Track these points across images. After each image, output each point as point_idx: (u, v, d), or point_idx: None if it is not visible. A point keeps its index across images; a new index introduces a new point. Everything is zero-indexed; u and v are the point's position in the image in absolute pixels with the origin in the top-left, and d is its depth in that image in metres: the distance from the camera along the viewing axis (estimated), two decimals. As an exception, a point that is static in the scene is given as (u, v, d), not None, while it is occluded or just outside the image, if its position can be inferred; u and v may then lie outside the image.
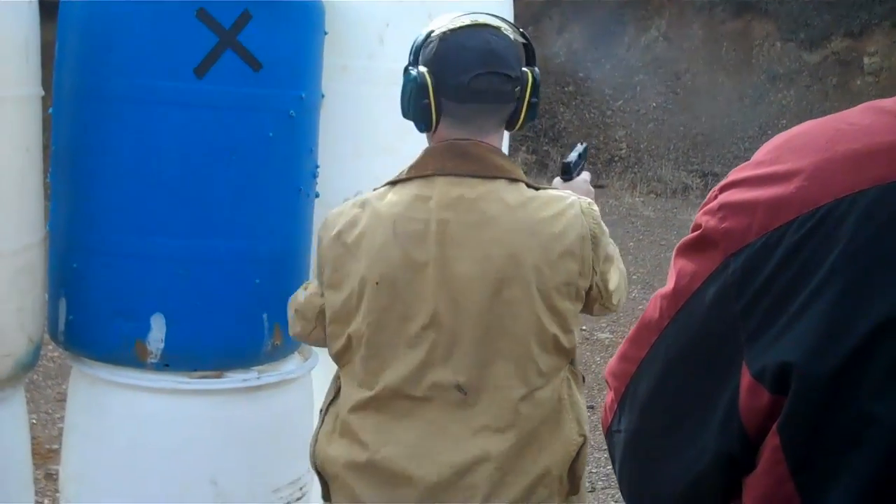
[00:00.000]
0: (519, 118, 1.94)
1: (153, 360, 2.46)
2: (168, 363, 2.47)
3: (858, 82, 11.07)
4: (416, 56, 1.91)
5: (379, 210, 1.89)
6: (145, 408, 2.49)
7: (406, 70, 1.92)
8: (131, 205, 2.42)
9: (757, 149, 0.97)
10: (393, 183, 1.93)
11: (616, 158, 11.85)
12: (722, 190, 0.92)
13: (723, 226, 0.89)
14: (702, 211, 0.93)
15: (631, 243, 8.87)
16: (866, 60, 11.08)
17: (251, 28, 2.36)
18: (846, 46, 11.20)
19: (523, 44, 1.94)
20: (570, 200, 1.92)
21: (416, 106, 1.88)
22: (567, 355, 1.92)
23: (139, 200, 2.42)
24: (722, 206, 0.90)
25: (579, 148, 2.37)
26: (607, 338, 6.32)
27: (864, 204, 0.81)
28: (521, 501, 1.87)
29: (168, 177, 2.41)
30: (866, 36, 11.15)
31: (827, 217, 0.82)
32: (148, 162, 2.41)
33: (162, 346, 2.45)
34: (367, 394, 1.89)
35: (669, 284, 0.94)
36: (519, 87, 1.90)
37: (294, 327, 2.09)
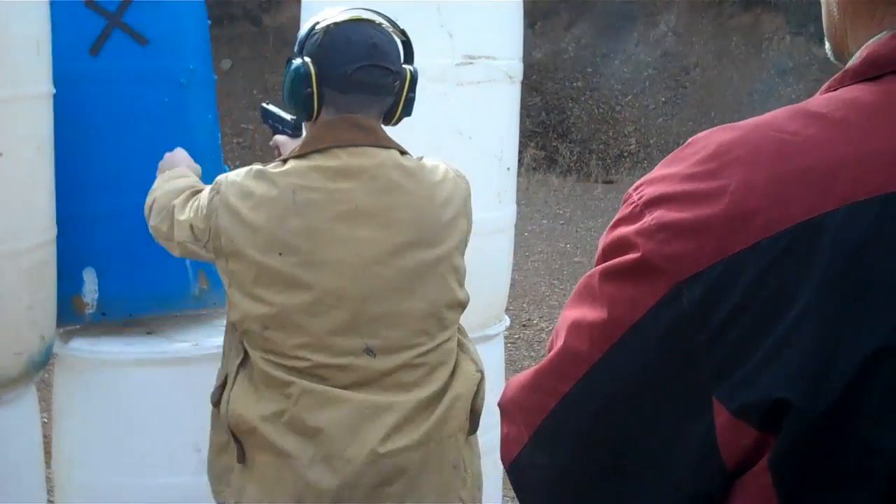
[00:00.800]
0: (396, 112, 2.03)
1: (90, 311, 2.73)
2: (104, 312, 2.74)
3: (869, 76, 11.02)
4: (300, 47, 1.99)
5: (276, 181, 1.92)
6: (126, 380, 2.55)
7: (289, 60, 2.00)
8: (58, 172, 2.61)
9: None
10: (285, 160, 1.98)
11: (625, 153, 11.83)
12: (648, 205, 0.82)
13: (667, 250, 0.80)
14: (631, 229, 0.83)
15: (641, 239, 8.86)
16: (876, 54, 11.04)
17: (133, 10, 2.72)
18: (856, 40, 11.16)
19: (403, 41, 2.04)
20: (443, 166, 2.04)
21: (300, 95, 1.96)
22: (463, 307, 2.05)
23: (63, 167, 2.62)
24: (661, 227, 0.81)
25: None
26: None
27: (834, 227, 0.76)
28: (434, 431, 1.97)
29: (84, 144, 2.70)
30: (876, 30, 11.11)
31: (795, 242, 0.76)
32: (66, 133, 2.63)
33: (96, 296, 2.71)
34: (283, 362, 1.92)
35: (598, 313, 0.84)
36: (398, 82, 2.00)
37: (155, 219, 2.13)
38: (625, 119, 12.12)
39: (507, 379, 3.86)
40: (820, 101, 0.84)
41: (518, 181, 3.13)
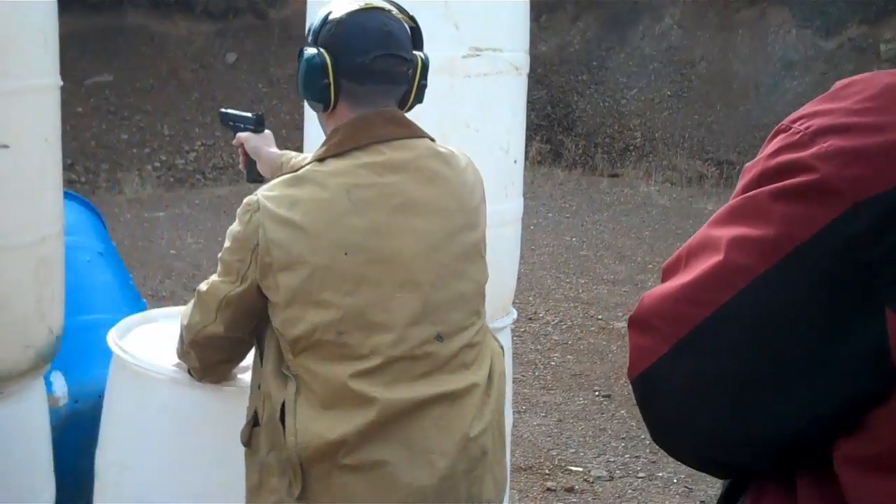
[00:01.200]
0: (409, 99, 2.02)
1: (64, 402, 3.10)
2: (77, 400, 3.09)
3: (875, 69, 10.95)
4: (314, 37, 1.97)
5: (324, 182, 1.89)
6: (186, 402, 2.48)
7: (301, 52, 1.98)
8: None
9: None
10: (321, 159, 1.94)
11: (631, 147, 11.81)
12: (819, 134, 0.91)
13: (846, 173, 0.88)
14: (805, 154, 0.91)
15: (647, 232, 8.85)
16: (883, 47, 11.00)
17: None
18: (862, 33, 11.13)
19: (412, 28, 2.02)
20: (458, 152, 2.06)
21: (316, 86, 1.94)
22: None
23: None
24: (839, 152, 0.89)
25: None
26: (623, 327, 6.31)
27: None
28: (496, 409, 2.03)
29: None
30: (882, 22, 11.08)
31: None
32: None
33: (66, 390, 3.11)
34: (358, 366, 1.87)
35: (765, 229, 0.92)
36: (411, 70, 1.99)
37: (192, 317, 2.04)
38: (630, 112, 12.10)
39: (514, 370, 3.87)
40: None
41: (523, 174, 3.13)
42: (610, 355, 5.83)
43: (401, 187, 1.92)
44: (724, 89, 11.65)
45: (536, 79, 11.33)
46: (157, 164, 10.60)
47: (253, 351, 2.06)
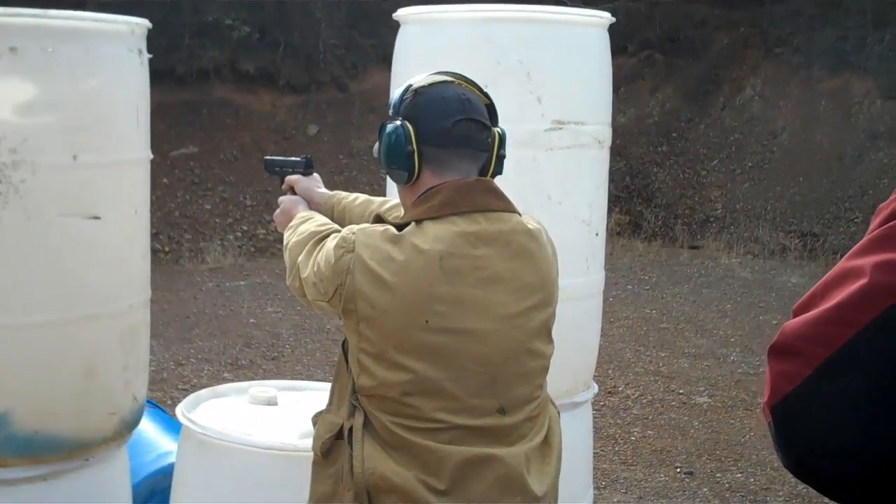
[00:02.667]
0: (489, 169, 2.03)
1: None
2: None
3: (963, 140, 10.79)
4: (395, 111, 2.00)
5: (420, 247, 1.90)
6: (253, 469, 2.49)
7: (383, 125, 2.01)
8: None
9: (857, 208, 1.03)
10: (420, 220, 1.95)
11: (711, 219, 11.69)
12: None
13: None
14: None
15: (728, 305, 8.70)
16: (971, 118, 10.79)
17: None
18: (949, 103, 10.94)
19: (487, 105, 2.04)
20: (536, 224, 2.06)
21: (400, 154, 1.96)
22: None
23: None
24: None
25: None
26: (705, 402, 6.19)
27: None
28: (555, 481, 2.05)
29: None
30: (970, 92, 10.88)
31: None
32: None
33: None
34: (417, 425, 1.90)
35: None
36: (490, 139, 2.01)
37: (288, 278, 2.11)
38: (710, 184, 12.00)
39: (594, 446, 3.81)
40: None
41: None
42: (692, 431, 5.71)
43: (490, 260, 1.93)
44: (806, 160, 11.49)
45: (616, 150, 11.29)
46: (239, 234, 10.78)
47: (339, 357, 2.06)
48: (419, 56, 2.89)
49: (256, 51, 12.09)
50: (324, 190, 2.41)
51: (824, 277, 1.04)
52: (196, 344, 7.25)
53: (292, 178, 2.39)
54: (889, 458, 0.98)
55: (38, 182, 2.32)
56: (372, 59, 12.35)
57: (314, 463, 2.04)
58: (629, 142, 12.49)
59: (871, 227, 1.03)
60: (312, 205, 2.37)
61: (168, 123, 10.67)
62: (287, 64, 12.21)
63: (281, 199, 2.37)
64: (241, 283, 9.27)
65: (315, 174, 2.42)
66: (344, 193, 2.39)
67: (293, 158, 2.45)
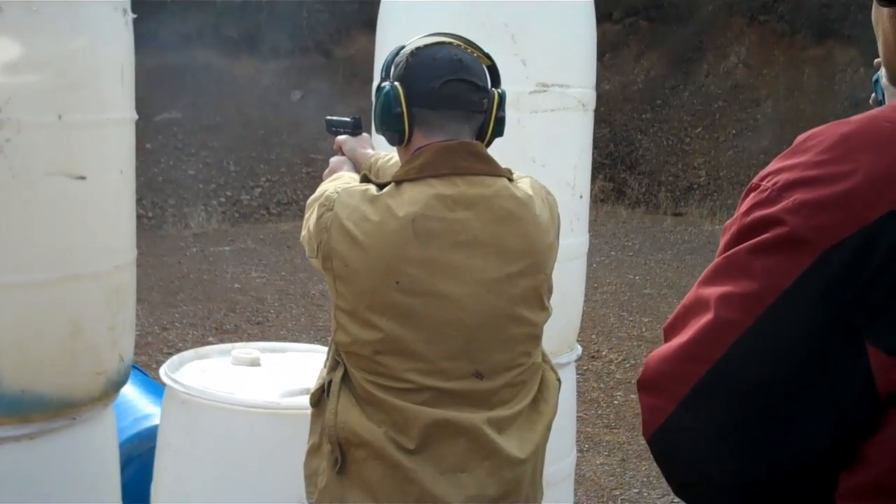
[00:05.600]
0: (487, 131, 2.01)
1: None
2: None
3: (945, 108, 10.81)
4: (386, 72, 2.00)
5: (395, 208, 1.90)
6: (236, 428, 2.52)
7: (377, 87, 2.00)
8: None
9: None
10: (399, 181, 1.95)
11: (695, 186, 11.73)
12: (785, 189, 0.98)
13: (813, 223, 0.95)
14: (774, 209, 0.98)
15: (710, 271, 8.75)
16: (954, 86, 10.82)
17: None
18: (932, 72, 10.96)
19: (488, 66, 2.03)
20: (534, 187, 2.02)
21: (390, 116, 1.96)
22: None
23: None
24: (804, 205, 0.96)
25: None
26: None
27: None
28: (540, 447, 2.06)
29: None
30: (953, 61, 10.90)
31: None
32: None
33: None
34: (390, 384, 1.92)
35: (747, 284, 0.98)
36: (486, 100, 1.99)
37: (307, 225, 2.08)
38: (694, 151, 12.03)
39: (577, 409, 3.84)
40: None
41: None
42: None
43: (468, 224, 1.92)
44: (790, 128, 11.53)
45: (600, 117, 11.30)
46: (223, 200, 10.76)
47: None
48: (404, 20, 2.88)
49: (240, 16, 12.01)
50: (369, 150, 2.38)
51: (685, 299, 1.06)
52: (181, 308, 7.26)
53: (341, 139, 2.36)
54: (767, 484, 1.00)
55: (23, 141, 2.31)
56: (356, 23, 12.29)
57: (311, 416, 2.08)
58: (613, 109, 12.50)
59: (720, 246, 1.04)
60: (357, 165, 2.35)
61: (151, 89, 10.61)
62: (271, 29, 12.14)
63: (331, 159, 2.36)
64: (226, 248, 9.27)
65: (364, 134, 2.39)
66: (382, 153, 2.36)
67: (345, 119, 2.41)
